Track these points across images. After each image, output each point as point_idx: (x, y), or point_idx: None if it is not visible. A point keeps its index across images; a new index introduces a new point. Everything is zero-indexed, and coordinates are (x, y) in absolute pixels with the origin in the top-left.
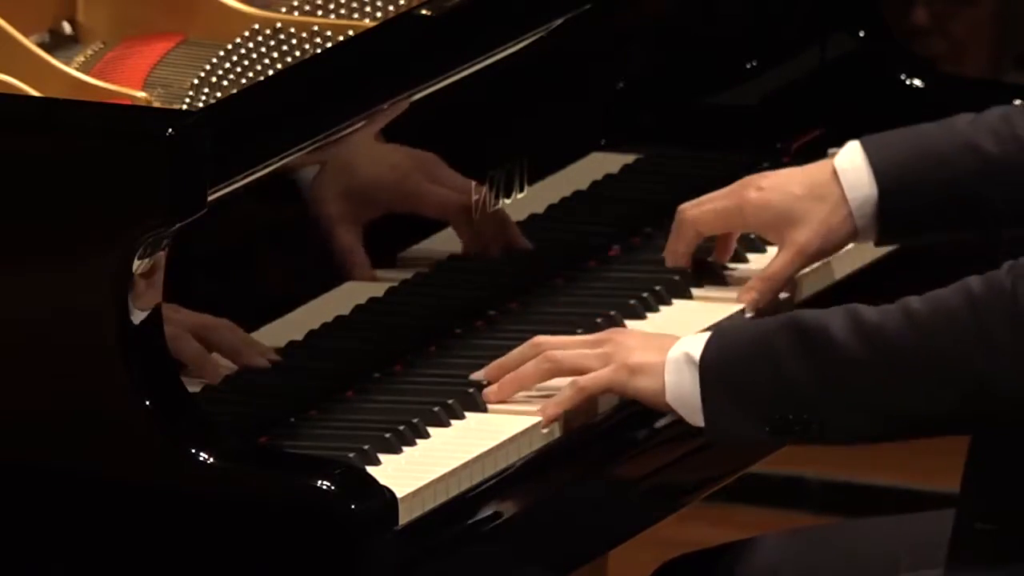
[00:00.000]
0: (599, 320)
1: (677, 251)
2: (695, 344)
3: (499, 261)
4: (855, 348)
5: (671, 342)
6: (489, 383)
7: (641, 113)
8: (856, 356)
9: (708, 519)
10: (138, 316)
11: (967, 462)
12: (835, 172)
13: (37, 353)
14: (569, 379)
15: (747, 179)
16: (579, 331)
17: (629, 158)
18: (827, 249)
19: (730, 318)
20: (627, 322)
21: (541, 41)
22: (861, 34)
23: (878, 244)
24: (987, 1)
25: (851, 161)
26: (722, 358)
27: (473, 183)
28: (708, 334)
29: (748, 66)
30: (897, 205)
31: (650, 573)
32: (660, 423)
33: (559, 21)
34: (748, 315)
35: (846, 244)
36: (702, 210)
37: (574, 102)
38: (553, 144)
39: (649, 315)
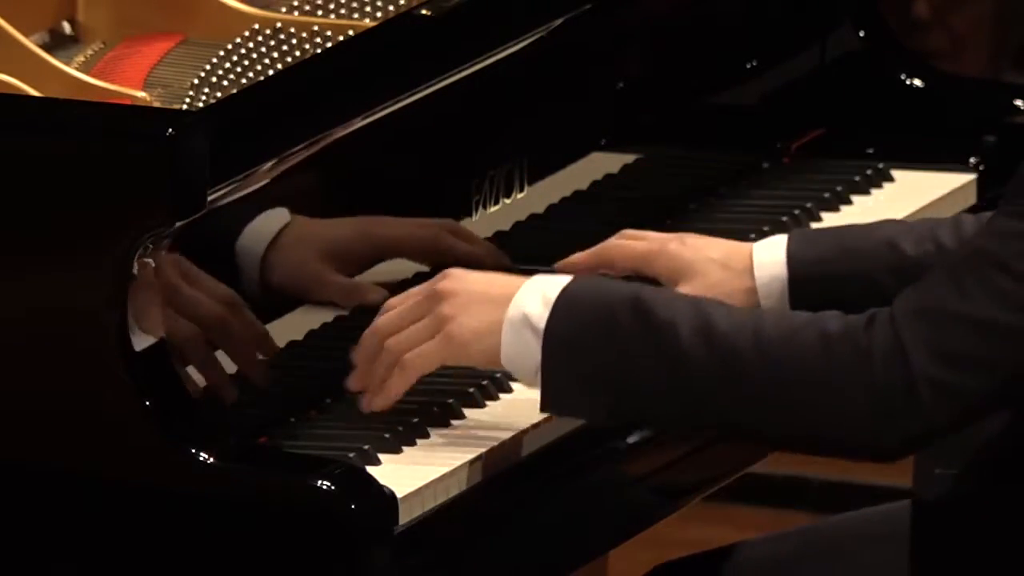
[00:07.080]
0: None
1: (577, 263)
2: (533, 303)
3: (499, 262)
4: (700, 354)
5: (508, 291)
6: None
7: (641, 113)
8: (700, 363)
9: (708, 519)
10: (138, 316)
11: None
12: (751, 252)
13: (37, 353)
14: None
15: (679, 234)
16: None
17: (629, 158)
18: None
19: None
20: None
21: (541, 41)
22: (861, 34)
23: None
24: None
25: (770, 245)
26: (568, 336)
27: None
28: (543, 289)
29: (748, 66)
30: (806, 290)
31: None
32: None
33: (559, 21)
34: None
35: None
36: (624, 245)
37: (574, 102)
38: (553, 144)
39: None
